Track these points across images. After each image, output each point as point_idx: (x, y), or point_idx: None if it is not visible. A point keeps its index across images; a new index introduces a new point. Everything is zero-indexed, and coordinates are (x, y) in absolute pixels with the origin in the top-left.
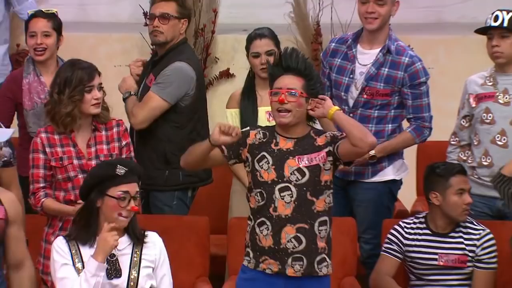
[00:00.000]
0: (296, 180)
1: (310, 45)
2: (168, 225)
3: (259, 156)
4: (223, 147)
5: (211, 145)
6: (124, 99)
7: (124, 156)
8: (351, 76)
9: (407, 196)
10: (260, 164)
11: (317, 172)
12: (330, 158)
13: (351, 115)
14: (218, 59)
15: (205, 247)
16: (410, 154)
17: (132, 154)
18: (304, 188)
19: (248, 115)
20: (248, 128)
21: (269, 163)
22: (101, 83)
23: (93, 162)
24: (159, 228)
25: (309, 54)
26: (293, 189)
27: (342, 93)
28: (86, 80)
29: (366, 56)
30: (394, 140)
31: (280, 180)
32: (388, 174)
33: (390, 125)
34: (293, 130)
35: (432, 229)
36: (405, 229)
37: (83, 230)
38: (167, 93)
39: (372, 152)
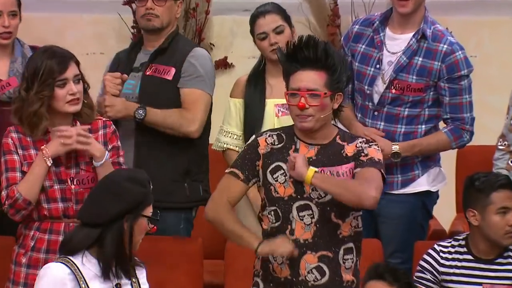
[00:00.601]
0: (318, 198)
1: (326, 28)
2: (154, 247)
3: (273, 166)
4: (236, 171)
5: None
6: (142, 119)
7: (110, 161)
8: (378, 66)
9: (445, 213)
10: (275, 176)
11: None
12: None
13: (375, 113)
14: (213, 45)
15: (198, 274)
16: (449, 161)
17: (121, 159)
18: (328, 208)
19: (254, 106)
20: (253, 137)
21: (286, 175)
22: (78, 75)
23: (72, 171)
24: (143, 251)
25: (324, 39)
26: (314, 208)
27: (366, 87)
28: (57, 72)
29: (397, 42)
30: (425, 139)
31: (299, 197)
32: (421, 184)
33: (423, 126)
34: (316, 134)
35: (475, 254)
36: (441, 254)
37: (106, 261)
38: (210, 86)
39: (395, 148)
